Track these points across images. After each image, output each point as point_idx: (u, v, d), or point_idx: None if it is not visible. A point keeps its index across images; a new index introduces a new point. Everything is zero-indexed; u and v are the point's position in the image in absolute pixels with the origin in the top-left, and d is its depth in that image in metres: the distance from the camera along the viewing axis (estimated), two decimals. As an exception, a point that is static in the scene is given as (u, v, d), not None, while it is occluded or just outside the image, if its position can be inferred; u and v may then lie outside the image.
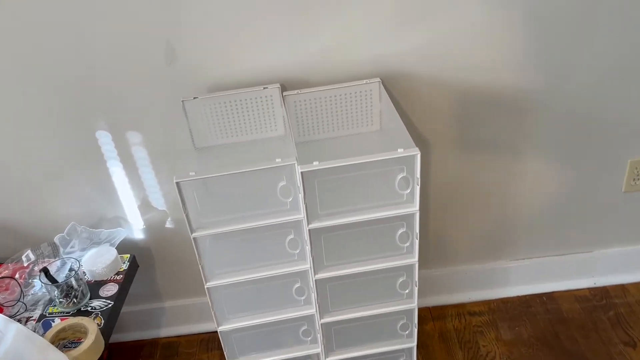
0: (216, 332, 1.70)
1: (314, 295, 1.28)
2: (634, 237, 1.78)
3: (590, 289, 1.84)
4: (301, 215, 1.16)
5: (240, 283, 1.25)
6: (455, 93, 1.45)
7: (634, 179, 1.64)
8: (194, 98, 1.34)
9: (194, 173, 1.08)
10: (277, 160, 1.09)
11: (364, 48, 1.35)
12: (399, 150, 1.09)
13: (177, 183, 1.08)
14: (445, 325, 1.79)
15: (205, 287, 1.25)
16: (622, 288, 1.83)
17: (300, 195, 1.12)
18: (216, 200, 1.16)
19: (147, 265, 1.68)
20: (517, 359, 1.66)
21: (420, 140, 1.50)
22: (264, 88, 1.35)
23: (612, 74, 1.45)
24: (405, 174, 1.11)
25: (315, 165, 1.07)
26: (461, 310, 1.83)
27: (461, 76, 1.43)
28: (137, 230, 1.64)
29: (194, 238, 1.17)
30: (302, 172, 1.08)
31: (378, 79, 1.36)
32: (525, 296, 1.84)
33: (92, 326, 1.28)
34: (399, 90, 1.41)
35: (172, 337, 1.83)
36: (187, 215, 1.13)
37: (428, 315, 1.81)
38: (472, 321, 1.79)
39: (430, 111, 1.47)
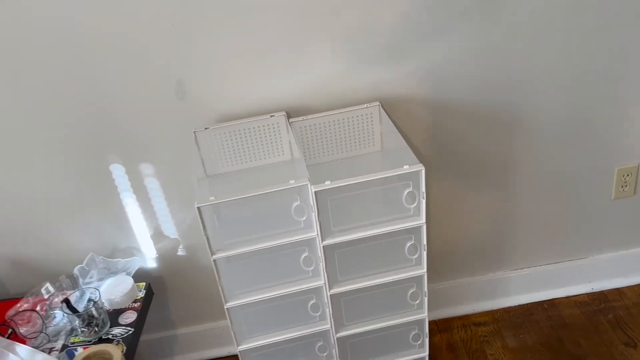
0: (228, 356, 1.75)
1: (328, 311, 1.34)
2: (626, 242, 1.87)
3: (588, 294, 1.91)
4: (315, 232, 1.22)
5: (257, 302, 1.31)
6: (450, 113, 1.54)
7: (622, 186, 1.73)
8: (205, 128, 1.41)
9: (213, 197, 1.15)
10: (291, 181, 1.17)
11: (362, 75, 1.44)
12: (404, 166, 1.17)
13: (198, 208, 1.15)
14: (452, 336, 1.84)
15: (225, 307, 1.30)
16: (618, 291, 1.90)
17: (314, 214, 1.19)
18: (233, 223, 1.22)
19: (160, 293, 1.72)
20: (524, 364, 1.72)
21: (418, 158, 1.58)
22: (271, 116, 1.43)
23: (596, 89, 1.55)
24: (411, 189, 1.19)
25: (328, 184, 1.15)
26: (466, 321, 1.89)
27: (455, 97, 1.52)
28: (149, 259, 1.69)
29: (214, 260, 1.23)
30: (315, 192, 1.15)
31: (378, 103, 1.45)
32: (526, 304, 1.91)
33: (116, 352, 1.32)
34: (397, 113, 1.50)
35: (186, 364, 1.87)
36: (207, 238, 1.19)
37: (435, 328, 1.86)
38: (478, 331, 1.85)
39: (427, 131, 1.55)
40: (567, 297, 1.91)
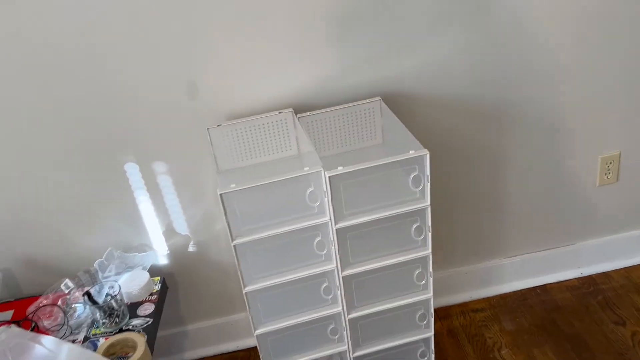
0: (236, 351, 1.82)
1: (340, 293, 1.42)
2: (611, 227, 1.98)
3: (578, 279, 2.02)
4: (327, 217, 1.31)
5: (273, 287, 1.38)
6: (445, 108, 1.64)
7: (605, 173, 1.85)
8: (218, 126, 1.49)
9: (234, 185, 1.23)
10: (305, 168, 1.25)
11: (365, 71, 1.54)
12: (410, 152, 1.26)
13: (221, 195, 1.23)
14: (452, 323, 1.93)
15: (244, 291, 1.37)
16: (606, 275, 2.02)
17: (327, 199, 1.27)
18: (251, 210, 1.30)
19: (171, 289, 1.79)
20: (522, 345, 1.81)
21: (417, 151, 1.68)
22: (279, 113, 1.51)
23: (578, 82, 1.68)
24: (417, 173, 1.28)
25: (340, 169, 1.24)
26: (464, 308, 1.98)
27: (450, 93, 1.62)
28: (161, 255, 1.75)
29: (235, 245, 1.30)
30: (329, 177, 1.23)
31: (379, 98, 1.55)
32: (521, 290, 2.01)
33: (140, 339, 1.38)
34: (396, 108, 1.59)
35: (196, 359, 1.92)
36: (228, 225, 1.27)
37: (435, 316, 1.94)
38: (476, 317, 1.94)
39: (424, 125, 1.65)
40: (559, 282, 2.02)
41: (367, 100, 1.54)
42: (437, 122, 1.66)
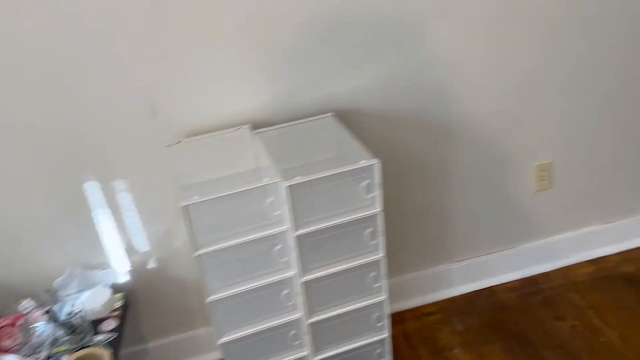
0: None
1: (301, 298, 1.48)
2: (548, 230, 2.14)
3: (520, 280, 2.16)
4: (287, 225, 1.38)
5: (235, 295, 1.44)
6: (394, 121, 1.76)
7: (540, 180, 2.00)
8: (177, 142, 1.55)
9: (197, 197, 1.29)
10: (265, 179, 1.33)
11: (317, 89, 1.64)
12: (361, 161, 1.36)
13: (185, 206, 1.28)
14: (406, 327, 2.02)
15: (207, 301, 1.42)
16: (545, 275, 2.16)
17: (287, 207, 1.35)
18: (213, 221, 1.35)
19: (132, 306, 1.80)
20: (472, 344, 1.92)
21: (368, 163, 1.79)
22: (237, 129, 1.58)
23: (514, 96, 1.83)
24: (369, 181, 1.38)
25: (298, 179, 1.32)
26: (417, 313, 2.08)
27: (397, 107, 1.74)
28: (122, 273, 1.77)
29: (198, 256, 1.35)
30: (288, 187, 1.31)
31: (331, 114, 1.64)
32: (468, 293, 2.13)
33: (105, 352, 1.40)
34: (349, 122, 1.69)
35: (158, 376, 1.93)
36: (191, 235, 1.32)
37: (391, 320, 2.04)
38: (429, 320, 2.04)
39: (374, 137, 1.76)
40: (503, 284, 2.15)
41: (321, 116, 1.63)
42: (386, 135, 1.77)
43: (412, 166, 1.87)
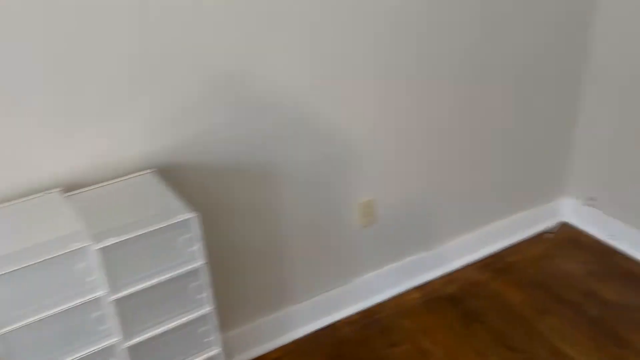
0: None
1: (128, 365, 1.41)
2: (376, 262, 2.28)
3: (358, 313, 2.26)
4: (103, 290, 1.31)
5: (52, 374, 1.32)
6: (219, 172, 1.78)
7: (365, 216, 2.14)
8: (-25, 213, 1.41)
9: (-5, 271, 1.18)
10: (74, 244, 1.26)
11: (136, 145, 1.61)
12: (178, 216, 1.35)
13: (-21, 283, 1.16)
14: (252, 377, 2.01)
15: (18, 385, 1.29)
16: (380, 305, 2.29)
17: (101, 272, 1.28)
18: (17, 295, 1.25)
19: None
20: (316, 383, 1.96)
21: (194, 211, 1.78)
22: (45, 193, 1.49)
23: (332, 139, 1.95)
24: (189, 235, 1.37)
25: (111, 240, 1.27)
26: (263, 360, 2.08)
27: (221, 158, 1.76)
28: None
29: (2, 335, 1.23)
30: (100, 249, 1.25)
31: (151, 170, 1.62)
32: (312, 333, 2.18)
33: None
34: (171, 177, 1.68)
35: None
36: (-9, 314, 1.20)
37: (234, 374, 2.01)
38: (274, 366, 2.05)
39: (199, 189, 1.76)
40: (344, 319, 2.24)
41: (139, 173, 1.60)
42: (211, 187, 1.79)
43: (243, 213, 1.89)
